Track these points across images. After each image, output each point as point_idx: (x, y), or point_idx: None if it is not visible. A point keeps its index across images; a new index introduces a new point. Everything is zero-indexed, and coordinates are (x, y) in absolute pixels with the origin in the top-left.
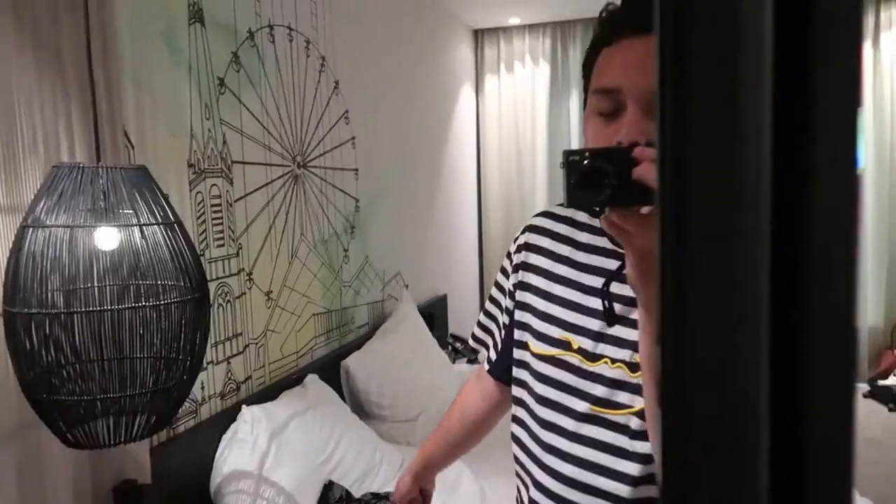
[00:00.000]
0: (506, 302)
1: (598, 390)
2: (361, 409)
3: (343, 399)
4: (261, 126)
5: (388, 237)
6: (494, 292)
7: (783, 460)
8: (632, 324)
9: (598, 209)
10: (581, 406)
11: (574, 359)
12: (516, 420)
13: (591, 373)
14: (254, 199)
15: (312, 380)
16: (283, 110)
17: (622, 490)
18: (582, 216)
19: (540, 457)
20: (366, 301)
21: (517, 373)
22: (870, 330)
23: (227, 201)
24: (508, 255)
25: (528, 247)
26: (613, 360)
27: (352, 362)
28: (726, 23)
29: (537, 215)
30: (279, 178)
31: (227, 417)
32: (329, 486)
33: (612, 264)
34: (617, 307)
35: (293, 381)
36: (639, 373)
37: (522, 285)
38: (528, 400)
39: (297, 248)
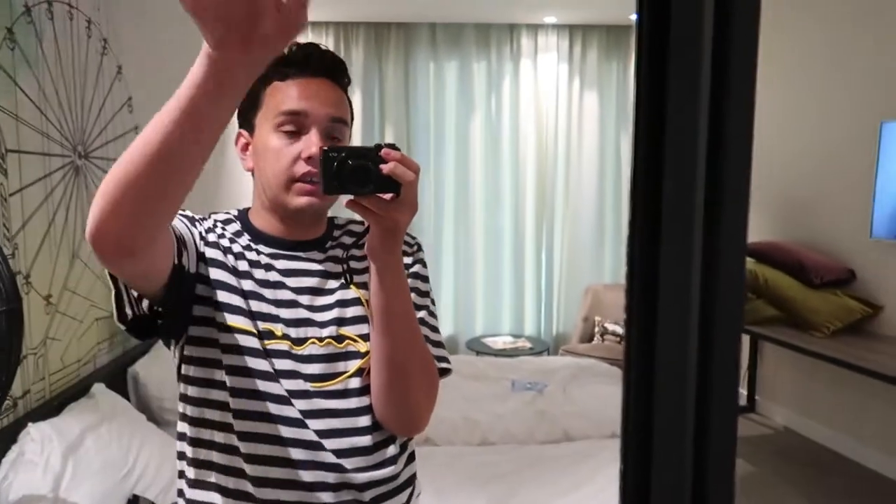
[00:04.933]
0: (196, 236)
1: (312, 368)
2: (155, 418)
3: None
4: (38, 111)
5: None
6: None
7: None
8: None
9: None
10: (301, 385)
11: (283, 345)
12: (216, 425)
13: (302, 356)
14: (31, 192)
15: (100, 390)
16: (63, 94)
17: (364, 441)
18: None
19: (277, 431)
20: None
21: (200, 351)
22: None
23: (1, 195)
24: (192, 220)
25: (222, 235)
26: (321, 339)
27: (140, 368)
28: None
29: (216, 216)
30: (59, 169)
31: (5, 439)
32: (134, 501)
33: (287, 265)
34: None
35: (77, 392)
36: (345, 342)
37: (211, 262)
38: (228, 398)
39: (80, 247)
